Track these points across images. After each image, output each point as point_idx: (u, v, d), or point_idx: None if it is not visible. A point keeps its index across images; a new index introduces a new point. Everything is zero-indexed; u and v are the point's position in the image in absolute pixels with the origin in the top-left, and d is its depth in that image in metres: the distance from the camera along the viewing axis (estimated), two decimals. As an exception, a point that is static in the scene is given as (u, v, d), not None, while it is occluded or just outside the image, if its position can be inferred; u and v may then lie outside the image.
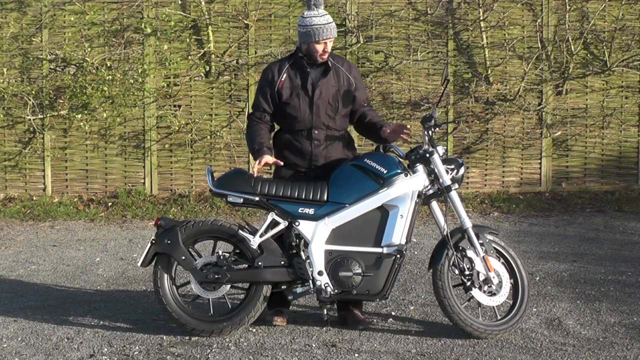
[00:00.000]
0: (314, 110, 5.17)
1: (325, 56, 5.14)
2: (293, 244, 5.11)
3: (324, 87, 5.17)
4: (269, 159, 5.09)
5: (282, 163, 5.16)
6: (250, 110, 5.38)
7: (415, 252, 7.37)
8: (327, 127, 5.22)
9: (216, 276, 5.09)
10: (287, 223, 5.08)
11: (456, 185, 5.13)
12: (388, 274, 5.03)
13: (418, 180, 5.10)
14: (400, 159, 5.21)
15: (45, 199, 9.72)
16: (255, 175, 5.09)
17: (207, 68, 9.79)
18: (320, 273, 5.02)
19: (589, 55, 9.98)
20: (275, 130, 5.42)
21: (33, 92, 9.66)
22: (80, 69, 9.68)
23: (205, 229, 5.16)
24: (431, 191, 5.14)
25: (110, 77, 9.56)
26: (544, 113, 9.97)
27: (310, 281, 5.04)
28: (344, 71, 5.24)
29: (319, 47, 5.09)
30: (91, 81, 9.64)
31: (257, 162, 5.08)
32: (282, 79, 5.17)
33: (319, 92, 5.16)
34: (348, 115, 5.34)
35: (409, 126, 5.16)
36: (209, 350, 4.90)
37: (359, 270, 5.01)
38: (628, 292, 6.08)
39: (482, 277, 5.04)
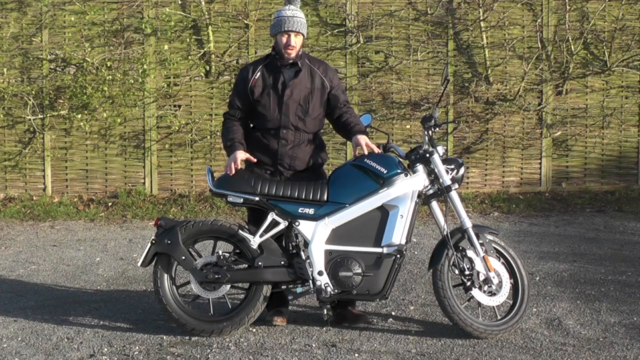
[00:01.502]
0: (283, 110, 5.19)
1: (291, 51, 5.17)
2: (293, 244, 5.11)
3: (295, 87, 5.19)
4: (242, 155, 5.13)
5: (255, 160, 5.18)
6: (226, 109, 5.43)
7: (415, 252, 7.37)
8: (296, 127, 5.23)
9: (216, 276, 5.09)
10: (287, 223, 5.09)
11: (456, 185, 5.13)
12: (388, 274, 5.03)
13: (418, 180, 5.10)
14: (400, 159, 5.21)
15: (45, 199, 9.72)
16: (232, 173, 5.12)
17: (207, 68, 9.80)
18: (320, 273, 5.02)
19: (589, 55, 9.98)
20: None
21: (33, 92, 9.67)
22: (81, 69, 9.69)
23: (205, 229, 5.16)
24: (431, 191, 5.14)
25: (110, 77, 9.57)
26: (544, 113, 9.98)
27: (310, 281, 5.04)
28: (319, 74, 5.25)
29: (283, 39, 5.17)
30: (91, 81, 9.64)
31: (233, 162, 5.11)
32: (256, 77, 5.22)
33: (289, 92, 5.18)
34: (321, 119, 5.34)
35: (361, 152, 5.15)
36: (209, 350, 4.90)
37: (359, 270, 5.01)
38: (628, 292, 6.08)
39: (482, 277, 5.04)
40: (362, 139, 5.15)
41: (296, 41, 5.17)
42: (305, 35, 5.24)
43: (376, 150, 5.13)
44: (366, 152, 5.10)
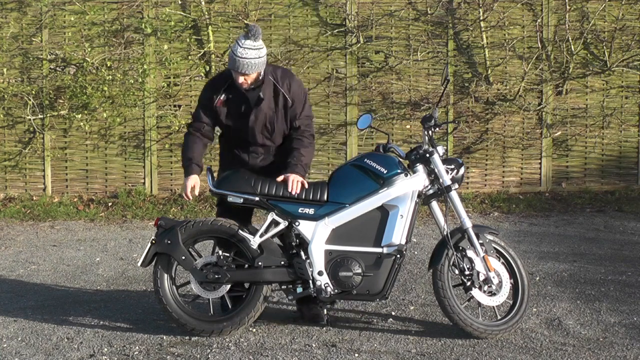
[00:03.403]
0: (250, 132, 5.19)
1: (246, 86, 5.05)
2: (293, 244, 5.11)
3: (260, 112, 5.13)
4: (192, 182, 5.13)
5: (190, 198, 5.16)
6: (190, 120, 5.32)
7: (415, 252, 7.37)
8: (263, 144, 5.25)
9: (216, 276, 5.09)
10: (287, 223, 5.09)
11: (456, 185, 5.13)
12: (388, 274, 5.03)
13: (418, 180, 5.10)
14: (400, 159, 5.21)
15: (45, 199, 9.72)
16: (189, 199, 5.16)
17: (207, 68, 9.80)
18: (320, 273, 5.02)
19: (589, 55, 9.98)
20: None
21: (33, 92, 9.67)
22: (80, 69, 9.68)
23: (205, 229, 5.16)
24: (431, 191, 5.14)
25: (110, 77, 9.57)
26: (544, 113, 9.98)
27: (310, 281, 5.04)
28: (283, 92, 5.13)
29: (237, 77, 5.02)
30: (91, 81, 9.64)
31: (187, 189, 5.12)
32: (221, 98, 5.13)
33: (253, 117, 5.14)
34: (288, 129, 5.29)
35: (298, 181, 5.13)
36: (209, 350, 4.90)
37: (359, 270, 5.01)
38: (628, 292, 6.08)
39: (482, 277, 5.04)
40: (291, 176, 5.10)
41: (246, 79, 5.02)
42: (261, 71, 5.05)
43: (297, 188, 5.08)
44: (289, 189, 5.06)
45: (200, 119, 5.22)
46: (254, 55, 4.94)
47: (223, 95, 5.13)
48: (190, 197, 5.17)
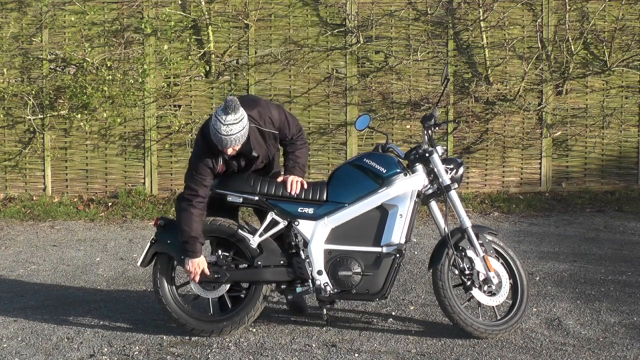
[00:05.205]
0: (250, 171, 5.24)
1: (235, 152, 4.99)
2: (292, 243, 5.11)
3: (257, 160, 5.16)
4: (204, 264, 5.05)
5: (197, 280, 5.09)
6: (185, 185, 5.13)
7: (415, 252, 7.37)
8: (258, 170, 5.29)
9: (216, 276, 5.09)
10: (286, 222, 5.09)
11: (455, 185, 5.13)
12: (387, 274, 5.03)
13: (417, 180, 5.10)
14: (400, 159, 5.21)
15: (45, 199, 9.72)
16: (197, 280, 5.07)
17: (207, 68, 9.80)
18: (319, 272, 5.03)
19: (589, 55, 9.98)
20: None
21: (33, 92, 9.67)
22: (81, 69, 9.69)
23: (204, 229, 5.15)
24: (430, 191, 5.14)
25: (110, 77, 9.57)
26: (544, 113, 9.97)
27: (310, 280, 5.04)
28: (267, 130, 5.10)
29: (226, 150, 4.93)
30: (91, 81, 9.64)
31: (194, 268, 5.02)
32: (220, 164, 5.05)
33: (254, 167, 5.19)
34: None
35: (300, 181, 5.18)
36: (209, 350, 4.91)
37: (359, 270, 5.02)
38: (628, 292, 6.08)
39: (482, 277, 5.04)
40: (290, 177, 5.15)
41: (234, 148, 4.94)
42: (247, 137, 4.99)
43: (297, 189, 5.11)
44: (288, 190, 5.10)
45: (204, 186, 5.03)
46: (239, 129, 4.83)
47: (221, 160, 5.04)
48: (198, 279, 5.07)
